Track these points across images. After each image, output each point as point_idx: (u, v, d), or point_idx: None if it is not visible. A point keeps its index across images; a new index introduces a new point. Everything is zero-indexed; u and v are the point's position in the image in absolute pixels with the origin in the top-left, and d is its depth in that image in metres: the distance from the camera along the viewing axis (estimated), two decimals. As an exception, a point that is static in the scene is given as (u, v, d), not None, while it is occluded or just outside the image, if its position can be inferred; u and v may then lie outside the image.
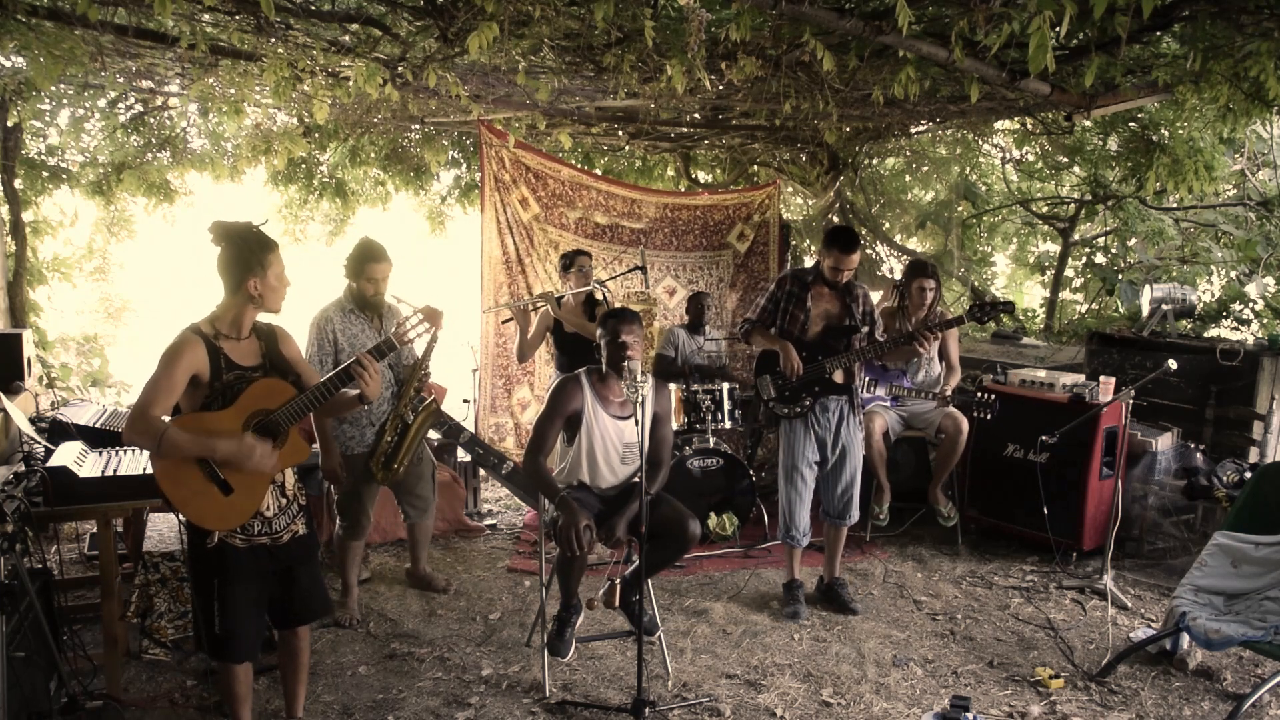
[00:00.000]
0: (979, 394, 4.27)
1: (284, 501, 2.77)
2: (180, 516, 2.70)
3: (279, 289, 2.69)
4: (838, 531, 4.20)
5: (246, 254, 2.60)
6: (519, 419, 6.14)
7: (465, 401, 5.34)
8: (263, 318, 2.78)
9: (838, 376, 3.97)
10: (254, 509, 2.66)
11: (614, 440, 3.41)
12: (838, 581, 4.24)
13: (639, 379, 3.05)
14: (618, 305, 4.85)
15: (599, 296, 5.22)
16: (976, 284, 8.25)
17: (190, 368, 2.56)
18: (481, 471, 5.56)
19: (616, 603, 3.28)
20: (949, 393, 4.58)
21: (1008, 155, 8.08)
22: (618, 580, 3.33)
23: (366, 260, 3.80)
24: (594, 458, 3.41)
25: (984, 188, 8.31)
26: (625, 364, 3.25)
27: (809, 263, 5.75)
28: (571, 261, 5.02)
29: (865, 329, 4.00)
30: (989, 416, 4.20)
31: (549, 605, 3.58)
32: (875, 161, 8.55)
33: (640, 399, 3.04)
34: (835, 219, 7.65)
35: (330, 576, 4.32)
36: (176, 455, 2.52)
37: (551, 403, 3.38)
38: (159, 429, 2.47)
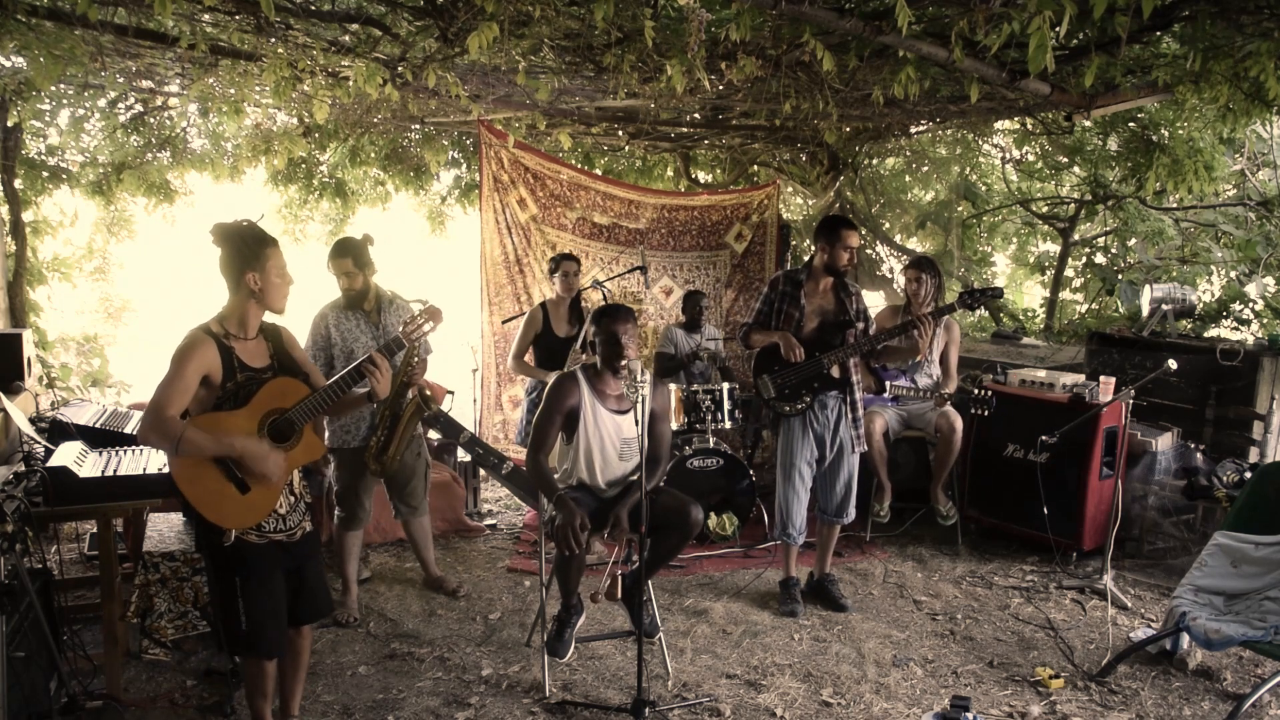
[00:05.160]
0: (976, 390, 4.27)
1: (293, 499, 2.80)
2: (186, 517, 2.70)
3: (280, 285, 2.68)
4: (831, 529, 4.22)
5: (244, 249, 2.61)
6: (509, 417, 6.15)
7: (450, 393, 5.34)
8: (268, 318, 2.78)
9: (834, 371, 3.97)
10: (272, 506, 2.68)
11: (612, 435, 3.41)
12: (828, 578, 4.25)
13: (639, 379, 3.05)
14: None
15: (598, 296, 5.23)
16: (976, 284, 8.25)
17: (202, 367, 2.56)
18: (481, 471, 5.56)
19: (618, 595, 3.26)
20: (946, 393, 4.58)
21: (1008, 155, 8.08)
22: (617, 573, 3.31)
23: (329, 256, 3.94)
24: (591, 454, 3.41)
25: (984, 188, 8.31)
26: (623, 363, 3.26)
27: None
28: (556, 266, 5.04)
29: (860, 325, 4.02)
30: (986, 413, 4.19)
31: (549, 605, 3.58)
32: (875, 161, 8.55)
33: (640, 399, 3.04)
34: (835, 219, 7.63)
35: (330, 576, 4.32)
36: (195, 455, 2.53)
37: (549, 401, 3.38)
38: (177, 430, 2.48)
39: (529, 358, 5.10)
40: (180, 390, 2.52)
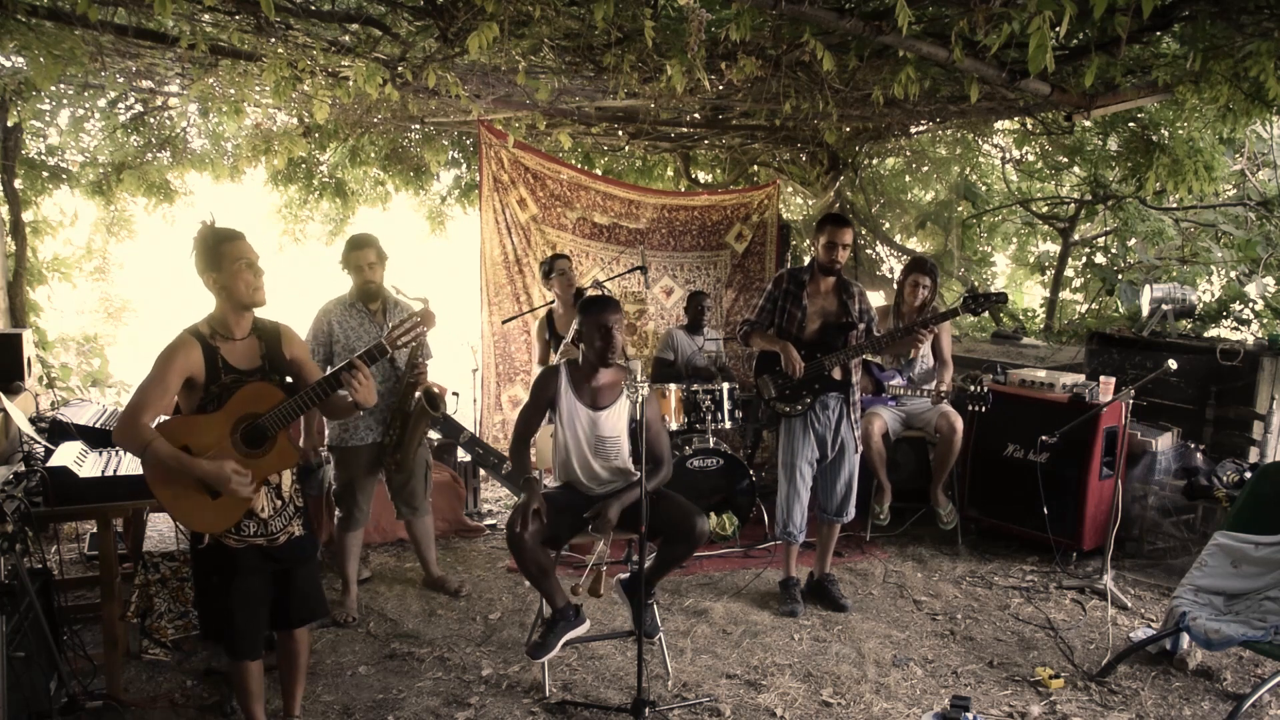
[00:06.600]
0: (971, 386, 4.23)
1: (279, 504, 2.75)
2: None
3: (243, 274, 2.58)
4: (831, 529, 4.22)
5: (202, 252, 2.59)
6: (509, 417, 6.15)
7: (454, 394, 5.34)
8: (265, 314, 2.76)
9: (835, 373, 3.98)
10: (242, 512, 2.64)
11: (587, 432, 3.40)
12: (828, 578, 4.25)
13: (639, 378, 3.04)
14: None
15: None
16: (976, 284, 8.25)
17: (184, 370, 2.54)
18: (481, 471, 5.57)
19: (601, 591, 3.19)
20: (944, 389, 4.56)
21: (1008, 155, 8.08)
22: (602, 567, 3.23)
23: (349, 249, 3.95)
24: (567, 449, 3.42)
25: (984, 188, 8.31)
26: (613, 353, 3.29)
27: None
28: (551, 268, 5.05)
29: (862, 326, 4.01)
30: (983, 409, 4.18)
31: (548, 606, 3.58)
32: (875, 161, 8.54)
33: (640, 399, 3.03)
34: (835, 219, 7.62)
35: (330, 576, 4.33)
36: (158, 467, 2.51)
37: (532, 392, 3.46)
38: (145, 439, 2.47)
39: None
40: (158, 393, 2.50)
